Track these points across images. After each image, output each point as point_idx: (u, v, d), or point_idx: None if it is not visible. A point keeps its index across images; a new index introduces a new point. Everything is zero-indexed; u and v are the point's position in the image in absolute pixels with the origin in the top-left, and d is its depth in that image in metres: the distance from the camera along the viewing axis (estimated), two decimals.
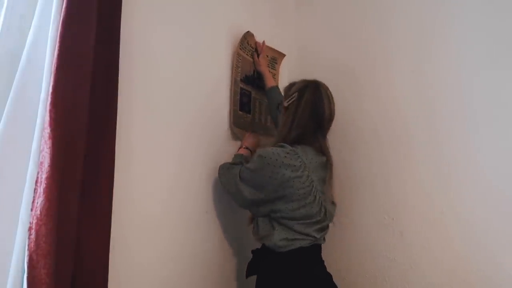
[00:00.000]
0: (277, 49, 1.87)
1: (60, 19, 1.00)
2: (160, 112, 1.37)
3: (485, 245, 1.33)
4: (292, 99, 1.36)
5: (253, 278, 1.40)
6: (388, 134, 1.61)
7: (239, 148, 1.59)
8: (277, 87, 1.74)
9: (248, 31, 1.69)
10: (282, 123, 1.40)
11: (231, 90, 1.65)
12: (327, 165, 1.36)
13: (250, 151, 1.57)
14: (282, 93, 1.50)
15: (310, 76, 1.40)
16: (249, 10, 1.82)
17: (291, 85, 1.44)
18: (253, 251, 1.45)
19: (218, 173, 1.46)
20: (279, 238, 1.28)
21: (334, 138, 1.66)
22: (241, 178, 1.33)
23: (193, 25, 1.52)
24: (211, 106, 1.58)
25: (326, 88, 1.38)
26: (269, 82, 1.74)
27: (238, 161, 1.45)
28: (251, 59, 1.76)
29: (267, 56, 1.85)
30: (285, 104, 1.39)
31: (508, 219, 1.30)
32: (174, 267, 1.38)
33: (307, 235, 1.29)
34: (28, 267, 0.90)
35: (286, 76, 1.96)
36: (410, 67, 1.59)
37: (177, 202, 1.41)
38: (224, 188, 1.43)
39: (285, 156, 1.24)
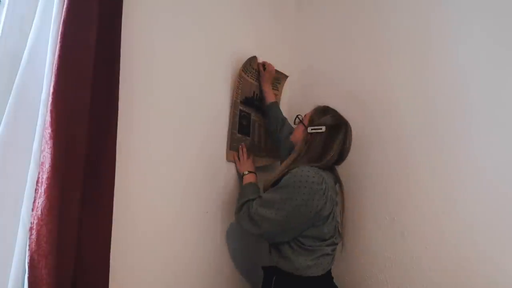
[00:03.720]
0: (280, 70, 1.86)
1: (61, 19, 1.00)
2: (161, 112, 1.37)
3: (486, 245, 1.33)
4: (319, 131, 1.38)
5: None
6: (389, 134, 1.61)
7: (243, 175, 1.56)
8: (277, 103, 1.76)
9: (254, 56, 1.68)
10: (307, 148, 1.39)
11: (230, 111, 1.64)
12: (337, 188, 1.43)
13: (255, 174, 1.57)
14: (311, 113, 1.47)
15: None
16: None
17: (323, 112, 1.44)
18: (264, 269, 1.42)
19: (237, 217, 1.40)
20: (300, 260, 1.28)
21: None
22: (263, 206, 1.29)
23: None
24: (211, 105, 1.57)
25: (351, 130, 1.44)
26: (270, 98, 1.75)
27: (256, 196, 1.39)
28: (251, 81, 1.75)
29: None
30: (310, 130, 1.40)
31: (508, 219, 1.30)
32: (174, 267, 1.38)
33: (326, 254, 1.31)
34: (29, 267, 0.91)
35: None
36: (411, 67, 1.59)
37: (178, 202, 1.41)
38: (246, 224, 1.35)
39: (313, 182, 1.24)
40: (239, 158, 1.64)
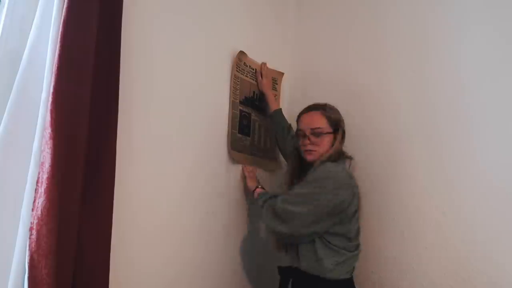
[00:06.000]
0: (276, 69, 1.87)
1: (61, 19, 1.00)
2: (161, 112, 1.37)
3: (486, 245, 1.33)
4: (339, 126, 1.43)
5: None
6: (389, 135, 1.61)
7: (253, 191, 1.55)
8: (281, 110, 1.74)
9: (240, 51, 1.67)
10: (331, 145, 1.39)
11: (229, 112, 1.64)
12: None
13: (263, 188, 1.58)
14: (326, 116, 1.43)
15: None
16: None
17: (332, 108, 1.45)
18: (280, 269, 1.40)
19: (262, 214, 1.39)
20: (330, 262, 1.26)
21: None
22: (291, 203, 1.28)
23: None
24: (211, 105, 1.57)
25: None
26: (273, 105, 1.75)
27: (270, 195, 1.41)
28: (250, 80, 1.75)
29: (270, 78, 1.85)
30: (331, 130, 1.41)
31: (508, 219, 1.30)
32: (175, 267, 1.38)
33: (351, 257, 1.31)
34: (29, 267, 0.90)
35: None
36: (411, 68, 1.59)
37: (178, 202, 1.41)
38: (272, 223, 1.31)
39: (340, 176, 1.29)
40: (245, 175, 1.65)
